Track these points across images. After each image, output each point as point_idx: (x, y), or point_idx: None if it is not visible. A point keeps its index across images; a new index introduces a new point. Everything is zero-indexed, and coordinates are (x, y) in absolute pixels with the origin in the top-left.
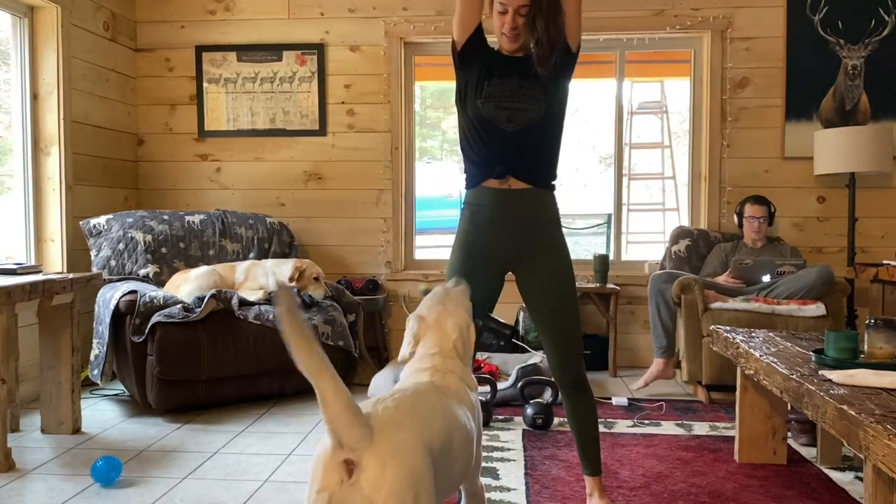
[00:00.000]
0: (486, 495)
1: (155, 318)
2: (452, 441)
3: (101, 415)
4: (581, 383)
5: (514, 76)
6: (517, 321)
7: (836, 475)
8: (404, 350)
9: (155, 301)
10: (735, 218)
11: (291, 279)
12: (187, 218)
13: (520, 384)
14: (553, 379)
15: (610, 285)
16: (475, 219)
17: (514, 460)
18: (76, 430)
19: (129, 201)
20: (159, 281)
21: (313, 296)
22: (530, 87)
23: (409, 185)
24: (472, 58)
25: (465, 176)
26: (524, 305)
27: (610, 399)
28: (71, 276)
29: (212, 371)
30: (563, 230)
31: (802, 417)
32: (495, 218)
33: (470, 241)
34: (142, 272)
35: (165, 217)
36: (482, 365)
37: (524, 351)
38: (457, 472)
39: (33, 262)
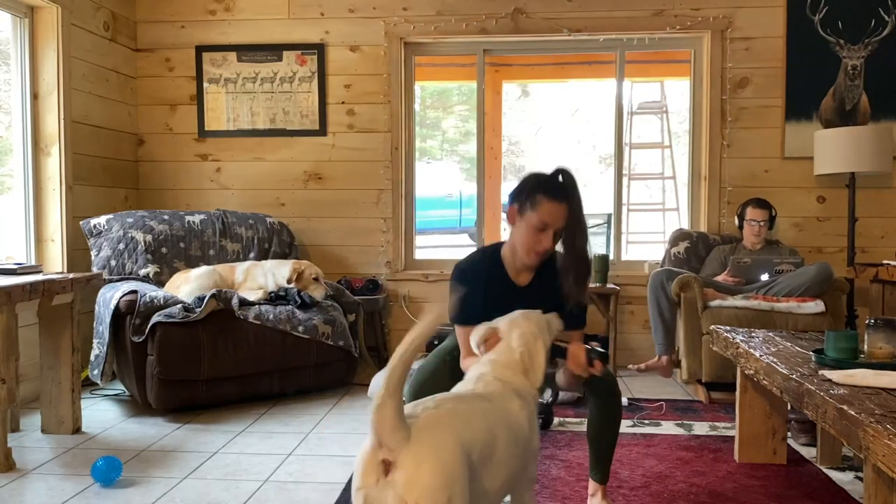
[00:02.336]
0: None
1: (155, 318)
2: (495, 448)
3: (102, 415)
4: (614, 389)
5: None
6: None
7: (835, 475)
8: (464, 351)
9: (155, 301)
10: (735, 220)
11: (290, 280)
12: (187, 218)
13: None
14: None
15: (610, 285)
16: None
17: None
18: (76, 429)
19: (129, 201)
20: (159, 281)
21: (314, 296)
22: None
23: (409, 185)
24: None
25: None
26: None
27: None
28: (71, 276)
29: (212, 371)
30: None
31: (802, 417)
32: None
33: None
34: (142, 272)
35: (165, 217)
36: None
37: None
38: (501, 480)
39: (33, 262)
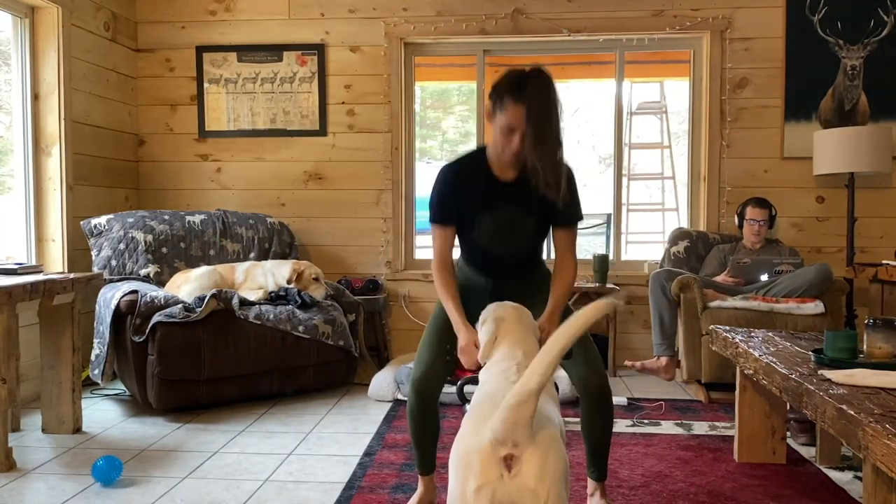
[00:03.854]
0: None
1: (156, 318)
2: (563, 435)
3: (102, 414)
4: (605, 391)
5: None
6: None
7: (835, 475)
8: (484, 351)
9: (156, 301)
10: (735, 219)
11: (290, 280)
12: (188, 218)
13: None
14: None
15: (610, 285)
16: None
17: None
18: (77, 429)
19: (129, 201)
20: (160, 281)
21: (314, 296)
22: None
23: (409, 186)
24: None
25: None
26: None
27: None
28: (72, 276)
29: (212, 371)
30: None
31: (802, 417)
32: None
33: None
34: (142, 272)
35: (166, 217)
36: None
37: None
38: None
39: (34, 262)
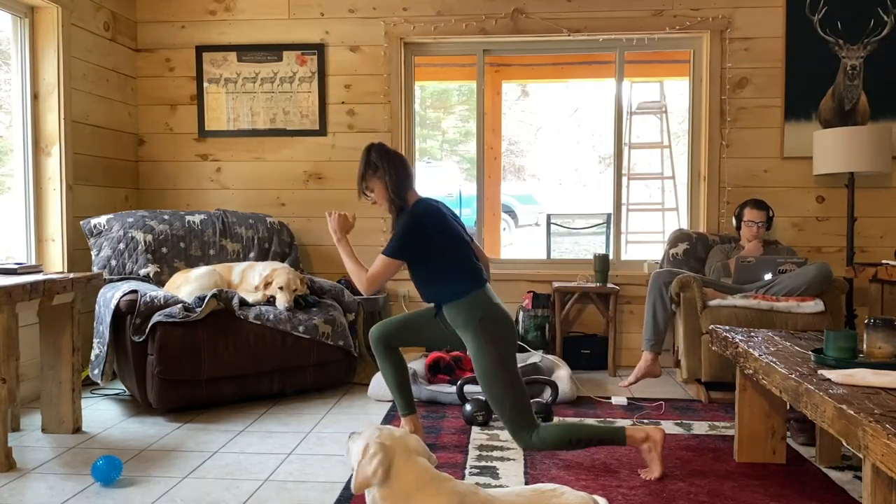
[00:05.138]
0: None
1: (155, 318)
2: None
3: (102, 414)
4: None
5: None
6: (517, 320)
7: (835, 474)
8: (378, 480)
9: (155, 301)
10: (734, 220)
11: (257, 287)
12: (188, 218)
13: None
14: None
15: (610, 285)
16: None
17: (513, 459)
18: (77, 429)
19: (129, 201)
20: (160, 281)
21: (277, 304)
22: None
23: None
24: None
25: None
26: (522, 306)
27: (609, 399)
28: (71, 275)
29: (212, 371)
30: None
31: (801, 417)
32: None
33: None
34: (142, 272)
35: (166, 217)
36: None
37: (524, 350)
38: None
39: (34, 262)
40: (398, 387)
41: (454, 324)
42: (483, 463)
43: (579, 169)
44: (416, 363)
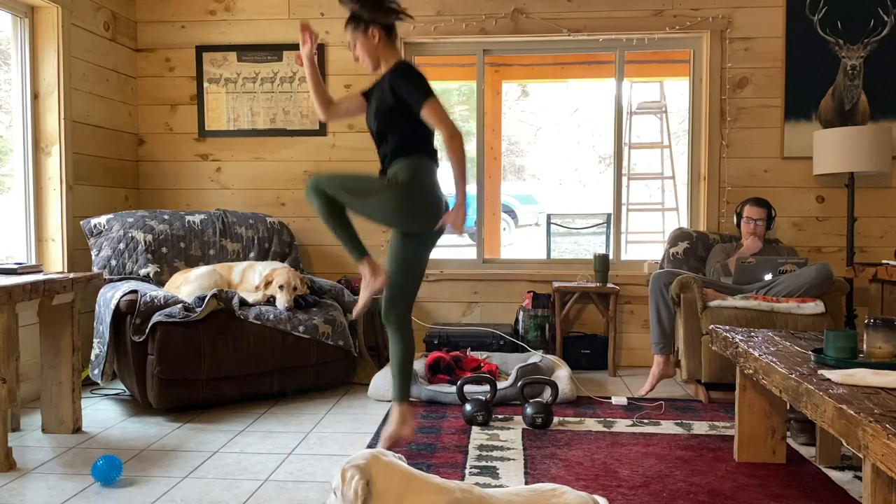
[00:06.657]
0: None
1: (155, 318)
2: None
3: (102, 414)
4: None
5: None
6: (517, 320)
7: (835, 474)
8: (363, 498)
9: (155, 301)
10: (734, 218)
11: (258, 287)
12: (188, 218)
13: (519, 383)
14: (549, 378)
15: (610, 285)
16: None
17: (513, 459)
18: (77, 429)
19: (129, 201)
20: (160, 281)
21: (278, 304)
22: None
23: None
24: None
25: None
26: (522, 306)
27: (609, 399)
28: (71, 275)
29: (212, 370)
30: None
31: (801, 417)
32: None
33: None
34: (142, 272)
35: (166, 217)
36: (482, 364)
37: (524, 350)
38: None
39: (34, 262)
40: (352, 231)
41: (389, 174)
42: (483, 463)
43: (579, 169)
44: (416, 363)
